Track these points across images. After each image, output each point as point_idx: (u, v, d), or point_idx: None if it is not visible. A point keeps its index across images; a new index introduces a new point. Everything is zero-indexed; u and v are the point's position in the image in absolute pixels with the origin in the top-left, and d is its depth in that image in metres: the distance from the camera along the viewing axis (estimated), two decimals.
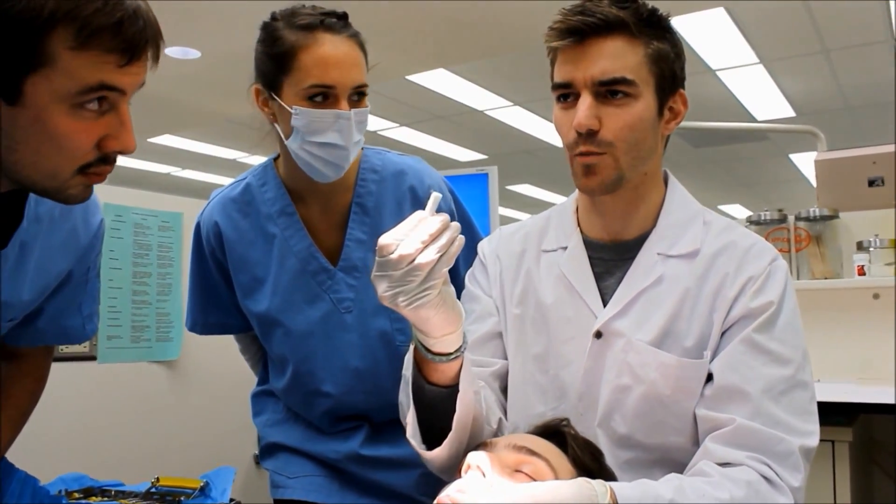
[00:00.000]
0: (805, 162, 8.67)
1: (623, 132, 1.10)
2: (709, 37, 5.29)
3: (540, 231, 1.29)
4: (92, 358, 2.17)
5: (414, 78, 5.96)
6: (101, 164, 0.98)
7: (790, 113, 6.98)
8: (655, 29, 1.13)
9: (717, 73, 6.00)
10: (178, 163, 9.06)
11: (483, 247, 1.35)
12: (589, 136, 1.10)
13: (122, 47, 0.90)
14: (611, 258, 1.19)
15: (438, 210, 1.47)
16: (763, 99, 6.63)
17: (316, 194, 1.46)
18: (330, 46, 1.32)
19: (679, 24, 4.99)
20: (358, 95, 1.35)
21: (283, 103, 1.34)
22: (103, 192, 2.20)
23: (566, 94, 1.13)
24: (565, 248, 1.22)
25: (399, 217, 1.45)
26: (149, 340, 2.28)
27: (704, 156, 8.51)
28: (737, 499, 0.96)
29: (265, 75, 1.37)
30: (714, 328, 1.10)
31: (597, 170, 1.11)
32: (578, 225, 1.24)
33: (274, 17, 1.38)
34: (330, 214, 1.48)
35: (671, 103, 1.16)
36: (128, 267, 2.22)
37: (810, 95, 6.56)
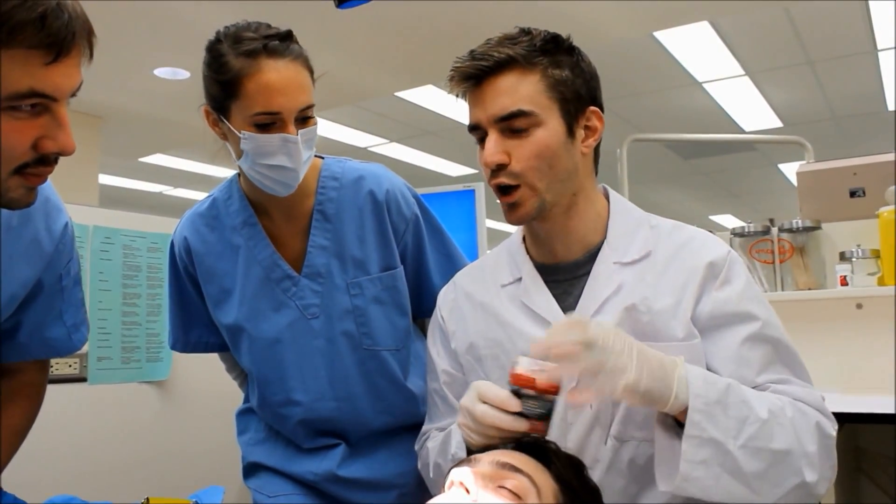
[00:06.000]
0: (793, 171, 8.70)
1: (531, 161, 1.15)
2: (694, 50, 5.34)
3: (494, 267, 1.32)
4: (83, 379, 2.17)
5: (403, 94, 5.99)
6: (38, 164, 0.96)
7: (777, 123, 7.03)
8: (552, 56, 1.17)
9: (704, 85, 6.05)
10: (169, 181, 9.06)
11: (440, 300, 1.39)
12: (500, 169, 1.16)
13: (46, 42, 0.88)
14: (565, 278, 1.23)
15: (400, 213, 1.50)
16: (750, 110, 6.68)
17: (277, 205, 1.48)
18: (274, 74, 1.31)
19: (664, 38, 5.06)
20: (305, 117, 1.36)
21: (231, 127, 1.35)
22: (91, 215, 2.22)
23: (478, 133, 1.18)
24: (520, 278, 1.26)
25: (360, 222, 1.49)
26: (139, 361, 2.29)
27: (694, 167, 8.57)
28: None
29: (213, 98, 1.37)
30: (686, 315, 1.15)
31: (518, 203, 1.18)
32: (528, 253, 1.28)
33: (218, 39, 1.36)
34: (292, 223, 1.50)
35: (584, 122, 1.20)
36: (117, 288, 2.23)
37: (797, 106, 6.62)
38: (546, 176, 1.16)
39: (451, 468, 1.00)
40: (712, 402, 1.00)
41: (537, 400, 1.02)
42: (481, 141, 1.19)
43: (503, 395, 1.03)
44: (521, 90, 1.14)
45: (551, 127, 1.15)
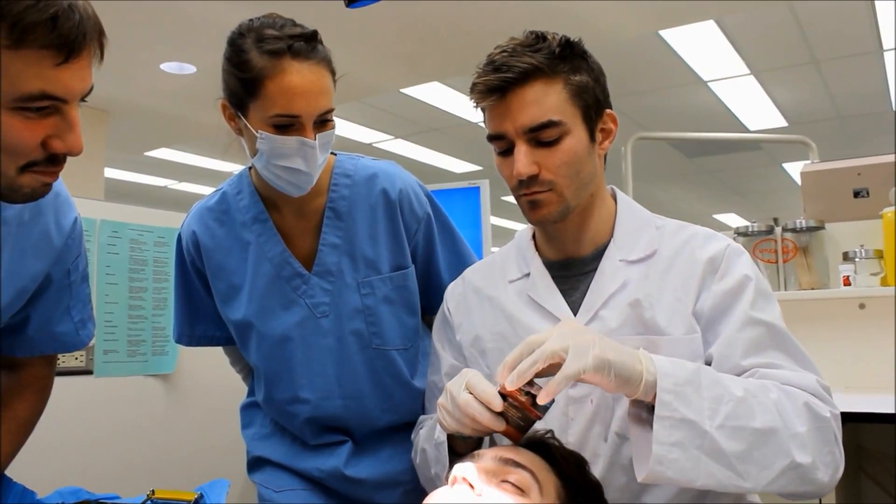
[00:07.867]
0: (798, 171, 8.69)
1: (561, 170, 1.16)
2: (700, 49, 5.34)
3: (503, 263, 1.34)
4: (89, 372, 2.19)
5: (408, 91, 5.99)
6: (48, 163, 0.96)
7: (782, 123, 7.03)
8: (571, 62, 1.17)
9: (709, 84, 6.04)
10: (174, 176, 9.08)
11: (448, 294, 1.40)
12: (530, 179, 1.16)
13: (57, 43, 0.89)
14: (573, 274, 1.25)
15: (412, 212, 1.50)
16: (755, 109, 6.68)
17: (289, 201, 1.45)
18: (297, 77, 1.28)
19: (670, 36, 5.06)
20: (324, 120, 1.34)
21: (248, 124, 1.33)
22: (99, 209, 2.24)
23: (502, 143, 1.18)
24: (528, 274, 1.28)
25: (372, 221, 1.49)
26: (144, 354, 2.30)
27: (698, 166, 8.56)
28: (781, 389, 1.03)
29: (232, 94, 1.34)
30: (686, 310, 1.15)
31: (542, 204, 1.18)
32: (537, 250, 1.30)
33: (241, 33, 1.32)
34: (304, 220, 1.49)
35: (601, 126, 1.22)
36: (124, 282, 2.24)
37: (802, 105, 6.61)
38: (574, 182, 1.17)
39: (455, 464, 1.01)
40: (682, 382, 0.97)
41: (521, 412, 1.01)
42: (504, 152, 1.19)
43: (490, 392, 1.01)
44: (548, 100, 1.14)
45: (577, 134, 1.17)
